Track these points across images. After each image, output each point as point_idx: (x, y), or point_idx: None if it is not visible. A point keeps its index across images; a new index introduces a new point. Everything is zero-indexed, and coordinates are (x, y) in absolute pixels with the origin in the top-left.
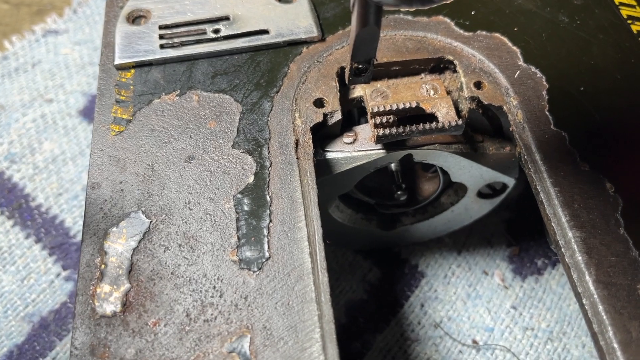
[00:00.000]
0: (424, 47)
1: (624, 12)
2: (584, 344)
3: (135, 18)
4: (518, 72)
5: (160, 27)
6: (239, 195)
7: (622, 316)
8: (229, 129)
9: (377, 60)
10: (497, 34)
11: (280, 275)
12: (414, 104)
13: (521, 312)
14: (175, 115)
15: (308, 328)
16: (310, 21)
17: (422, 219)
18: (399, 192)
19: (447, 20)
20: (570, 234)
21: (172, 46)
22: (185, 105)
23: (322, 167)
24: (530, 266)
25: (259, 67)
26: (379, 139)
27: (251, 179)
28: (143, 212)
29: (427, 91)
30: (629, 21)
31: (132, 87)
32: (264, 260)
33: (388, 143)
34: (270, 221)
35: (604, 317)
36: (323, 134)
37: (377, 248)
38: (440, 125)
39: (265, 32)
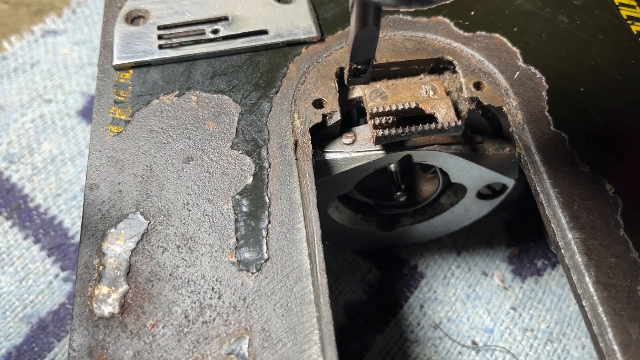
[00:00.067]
0: (423, 47)
1: (624, 12)
2: (583, 345)
3: (134, 18)
4: (518, 72)
5: (159, 28)
6: (238, 196)
7: (622, 318)
8: (228, 130)
9: (376, 61)
10: (497, 35)
11: (279, 276)
12: (413, 105)
13: (521, 313)
14: (173, 116)
15: (307, 330)
16: (310, 22)
17: (421, 220)
18: (398, 193)
19: (447, 20)
20: (570, 235)
21: (171, 47)
22: (184, 105)
23: (321, 167)
24: (530, 267)
25: (258, 67)
26: (378, 140)
27: (250, 180)
28: (141, 213)
29: (427, 92)
30: (629, 22)
31: (130, 87)
32: (262, 261)
33: (387, 144)
34: (269, 222)
35: (604, 318)
36: (322, 135)
37: (377, 249)
38: (439, 126)
39: (264, 32)
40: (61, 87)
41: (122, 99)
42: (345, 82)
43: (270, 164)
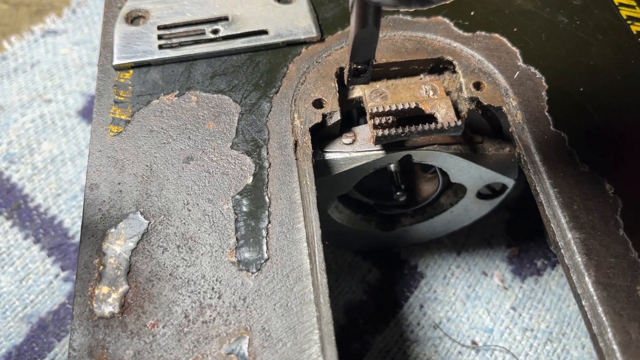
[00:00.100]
0: (423, 47)
1: (624, 12)
2: (583, 345)
3: (134, 18)
4: (517, 72)
5: (159, 28)
6: (238, 196)
7: (622, 318)
8: (228, 130)
9: (376, 61)
10: (497, 35)
11: (279, 276)
12: (413, 105)
13: (520, 313)
14: (173, 116)
15: (307, 329)
16: (310, 22)
17: (421, 220)
18: (398, 193)
19: (447, 20)
20: (569, 235)
21: (171, 47)
22: (184, 105)
23: (321, 167)
24: (529, 267)
25: (257, 67)
26: (378, 140)
27: (250, 179)
28: (141, 213)
29: (427, 92)
30: (629, 22)
31: (130, 87)
32: (262, 261)
33: (387, 144)
34: (269, 222)
35: (604, 318)
36: (322, 135)
37: (377, 249)
38: (439, 126)
39: (264, 32)
40: (61, 87)
41: (122, 99)
42: (345, 82)
43: (270, 163)
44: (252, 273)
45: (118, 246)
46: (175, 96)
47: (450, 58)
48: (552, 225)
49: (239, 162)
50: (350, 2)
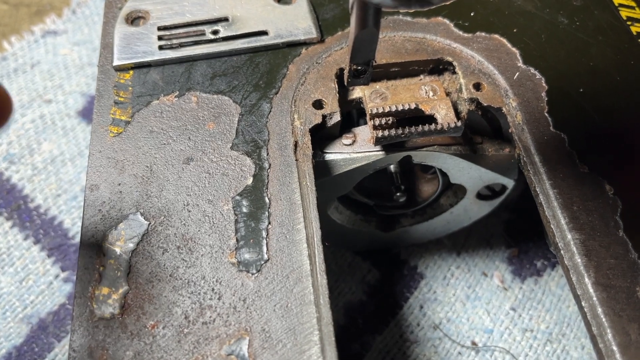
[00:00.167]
0: (423, 48)
1: (624, 13)
2: (583, 345)
3: (134, 19)
4: (517, 73)
5: (159, 28)
6: (238, 197)
7: (621, 319)
8: (228, 131)
9: (376, 62)
10: (497, 35)
11: (278, 277)
12: (413, 106)
13: (520, 313)
14: (173, 117)
15: (307, 330)
16: (309, 22)
17: (421, 220)
18: (398, 194)
19: (447, 21)
20: (569, 236)
21: (171, 47)
22: (184, 106)
23: (321, 168)
24: (529, 267)
25: (257, 68)
26: (378, 141)
27: (250, 180)
28: (141, 214)
29: (426, 92)
30: (629, 22)
31: (130, 88)
32: (262, 262)
33: (387, 144)
34: (269, 223)
35: (603, 319)
36: (322, 136)
37: (376, 249)
38: (439, 126)
39: (264, 33)
40: (61, 87)
41: (122, 99)
42: (345, 83)
43: (270, 164)
44: (252, 274)
45: (118, 247)
46: (175, 97)
47: (450, 59)
48: (552, 226)
49: (239, 163)
50: (350, 3)
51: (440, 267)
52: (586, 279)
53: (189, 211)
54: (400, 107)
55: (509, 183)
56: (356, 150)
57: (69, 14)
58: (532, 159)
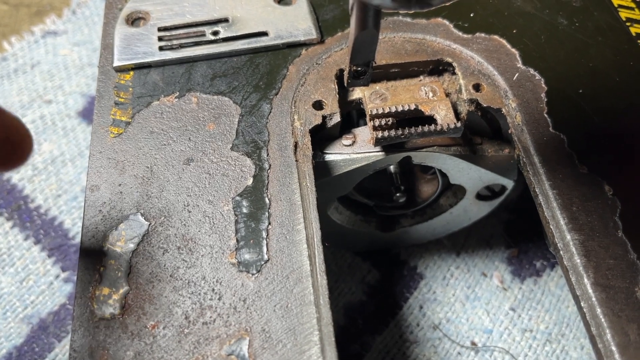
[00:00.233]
0: (422, 49)
1: (623, 14)
2: (582, 345)
3: (134, 20)
4: (517, 74)
5: (159, 29)
6: (238, 198)
7: (620, 319)
8: (228, 131)
9: (376, 63)
10: (496, 36)
11: (279, 277)
12: (412, 106)
13: (520, 313)
14: (174, 118)
15: (307, 331)
16: (309, 23)
17: (421, 221)
18: (397, 194)
19: (446, 22)
20: (568, 237)
21: (171, 48)
22: (184, 107)
23: (321, 169)
24: (529, 268)
25: (258, 69)
26: (377, 141)
27: (250, 181)
28: (142, 215)
29: (426, 93)
30: (628, 23)
31: (131, 89)
32: (262, 262)
33: (387, 145)
34: (269, 224)
35: (602, 319)
36: (322, 136)
37: (376, 250)
38: (439, 127)
39: (264, 34)
40: (61, 88)
41: (122, 100)
42: (345, 84)
43: (270, 165)
44: (252, 274)
45: (118, 247)
46: (175, 98)
47: (449, 60)
48: (551, 227)
49: (239, 164)
50: (350, 4)
51: (440, 267)
52: (585, 280)
53: (189, 212)
54: (400, 108)
55: (509, 184)
56: (356, 151)
57: (69, 15)
58: (532, 160)
